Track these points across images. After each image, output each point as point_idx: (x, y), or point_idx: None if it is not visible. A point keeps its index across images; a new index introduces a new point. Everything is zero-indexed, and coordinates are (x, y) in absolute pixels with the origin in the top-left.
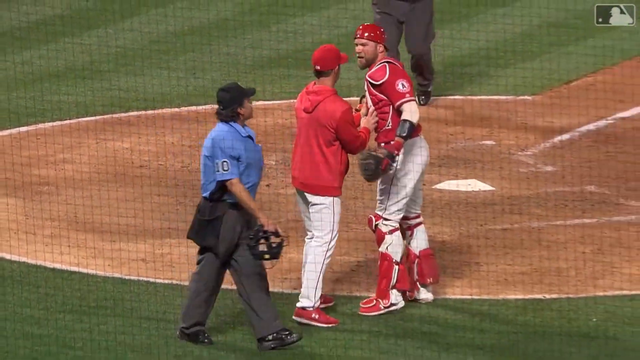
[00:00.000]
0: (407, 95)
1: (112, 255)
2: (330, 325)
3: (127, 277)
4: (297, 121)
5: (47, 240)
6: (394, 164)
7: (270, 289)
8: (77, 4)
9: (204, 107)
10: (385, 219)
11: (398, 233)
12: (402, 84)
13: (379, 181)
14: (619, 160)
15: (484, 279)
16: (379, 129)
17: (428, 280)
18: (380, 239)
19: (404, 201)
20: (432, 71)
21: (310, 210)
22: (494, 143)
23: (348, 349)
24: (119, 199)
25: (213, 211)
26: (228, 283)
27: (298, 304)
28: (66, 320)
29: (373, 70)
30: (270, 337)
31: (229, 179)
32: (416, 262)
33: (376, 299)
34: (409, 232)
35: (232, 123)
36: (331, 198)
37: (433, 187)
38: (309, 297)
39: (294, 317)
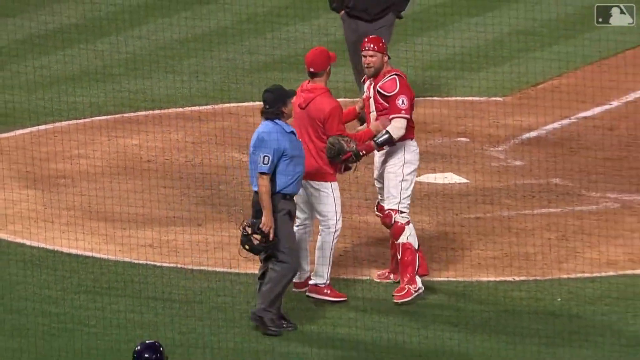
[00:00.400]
0: (403, 112)
1: (123, 241)
2: (340, 299)
3: (135, 261)
4: (292, 116)
5: (63, 227)
6: (356, 163)
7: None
8: (91, 14)
9: (205, 107)
10: (401, 212)
11: (412, 224)
12: (403, 101)
13: (385, 178)
14: (581, 156)
15: (459, 262)
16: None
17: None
18: (399, 230)
19: (411, 193)
20: None
21: (312, 201)
22: (468, 140)
23: (336, 327)
24: (129, 190)
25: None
26: (226, 267)
27: (310, 281)
28: (81, 300)
29: (385, 82)
30: (274, 312)
31: (263, 172)
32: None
33: (406, 286)
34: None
35: (276, 120)
36: (329, 183)
37: None
38: (322, 275)
39: (307, 294)
